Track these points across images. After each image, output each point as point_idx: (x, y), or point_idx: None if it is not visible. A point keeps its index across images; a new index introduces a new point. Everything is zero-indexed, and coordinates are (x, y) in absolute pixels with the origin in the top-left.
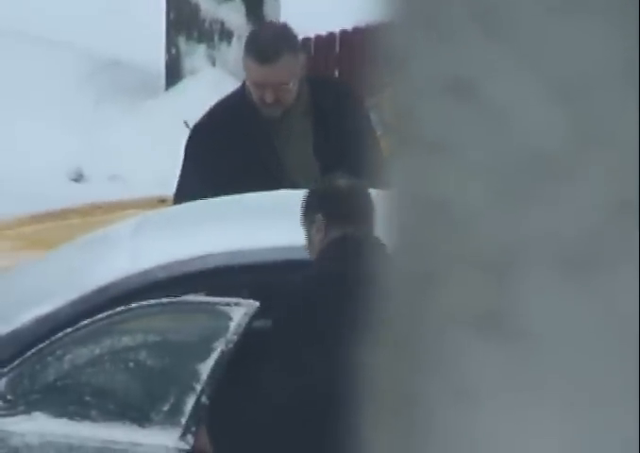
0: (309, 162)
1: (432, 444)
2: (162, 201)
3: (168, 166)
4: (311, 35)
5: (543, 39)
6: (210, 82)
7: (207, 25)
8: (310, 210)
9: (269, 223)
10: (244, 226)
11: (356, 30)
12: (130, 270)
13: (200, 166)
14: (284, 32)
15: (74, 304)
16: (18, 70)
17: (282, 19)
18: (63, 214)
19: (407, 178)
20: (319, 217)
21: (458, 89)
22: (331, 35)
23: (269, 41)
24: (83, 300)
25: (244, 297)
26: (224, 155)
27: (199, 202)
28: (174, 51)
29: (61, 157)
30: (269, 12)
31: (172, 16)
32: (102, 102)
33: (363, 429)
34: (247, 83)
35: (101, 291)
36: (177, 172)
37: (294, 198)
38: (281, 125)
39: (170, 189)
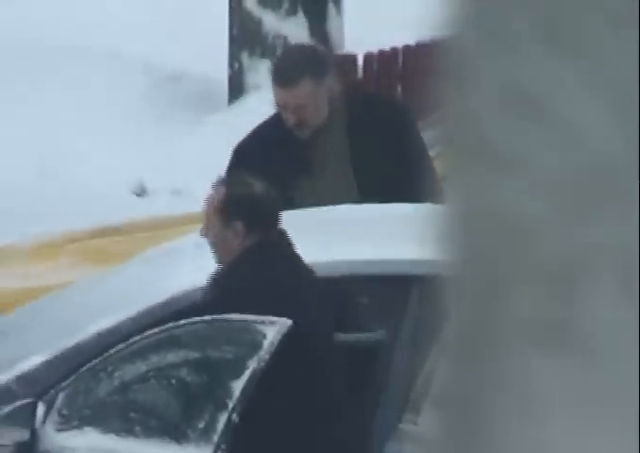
0: (345, 181)
1: None
2: None
3: None
4: (375, 50)
5: (606, 53)
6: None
7: (270, 40)
8: (228, 215)
9: (333, 236)
10: (308, 239)
11: (419, 45)
12: (194, 284)
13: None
14: (308, 55)
15: (137, 318)
16: (80, 84)
17: (346, 34)
18: (126, 229)
19: (471, 192)
20: (239, 224)
21: (521, 103)
22: (394, 50)
23: (289, 64)
24: (147, 314)
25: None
26: (262, 175)
27: None
28: (236, 66)
29: (124, 171)
30: (332, 28)
31: (235, 31)
32: (164, 116)
33: (432, 440)
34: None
35: (164, 305)
36: None
37: (357, 212)
38: (316, 143)
39: None
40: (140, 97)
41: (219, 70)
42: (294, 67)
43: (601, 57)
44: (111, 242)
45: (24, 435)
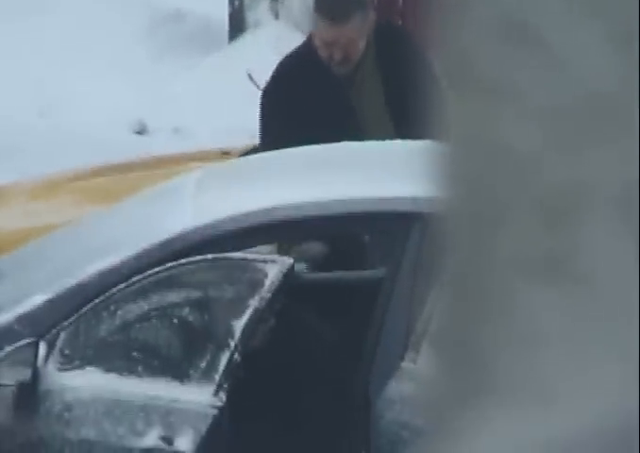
0: (383, 115)
1: (496, 389)
2: (226, 153)
3: (231, 118)
4: None
5: None
6: (273, 35)
7: None
8: None
9: (334, 175)
10: (309, 178)
11: None
12: (194, 223)
13: (282, 119)
14: None
15: (138, 257)
16: (79, 23)
17: None
18: (127, 167)
19: (465, 123)
20: None
21: (516, 33)
22: None
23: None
24: (148, 253)
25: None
26: (300, 111)
27: (265, 154)
28: (237, 3)
29: (125, 109)
30: None
31: None
32: (165, 54)
33: (430, 378)
34: (316, 41)
35: (165, 244)
36: (241, 124)
37: (358, 150)
38: (354, 79)
39: (233, 141)
40: (140, 36)
41: (219, 8)
42: (345, 2)
43: None
44: (113, 180)
45: (25, 374)
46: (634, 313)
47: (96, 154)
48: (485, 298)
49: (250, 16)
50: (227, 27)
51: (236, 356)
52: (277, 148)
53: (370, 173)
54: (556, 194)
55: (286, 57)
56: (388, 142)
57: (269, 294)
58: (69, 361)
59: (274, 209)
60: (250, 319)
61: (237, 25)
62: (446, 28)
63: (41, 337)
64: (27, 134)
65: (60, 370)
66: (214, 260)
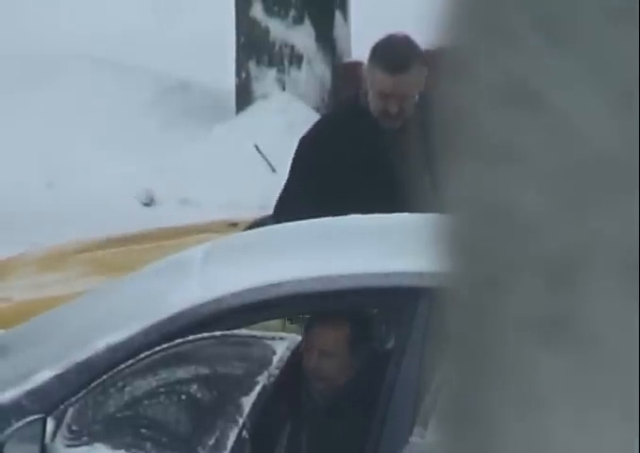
0: (423, 175)
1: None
2: (233, 225)
3: (239, 190)
4: None
5: (605, 46)
6: (280, 106)
7: (277, 48)
8: (354, 349)
9: (343, 249)
10: (317, 253)
11: (427, 52)
12: (202, 297)
13: (310, 180)
14: (412, 43)
15: (146, 332)
16: (88, 93)
17: (353, 42)
18: (134, 239)
19: (469, 185)
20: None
21: (520, 96)
22: None
23: (400, 50)
24: (156, 328)
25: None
26: (339, 166)
27: (272, 227)
28: (244, 75)
29: (132, 181)
30: (339, 36)
31: (242, 40)
32: (172, 125)
33: (437, 440)
34: (372, 94)
35: (173, 319)
36: (248, 195)
37: (368, 223)
38: (403, 136)
39: (240, 212)
40: (147, 107)
41: (226, 79)
42: (405, 53)
43: (601, 50)
44: (120, 252)
45: (33, 451)
46: (635, 375)
47: (104, 225)
48: (490, 362)
49: (257, 87)
50: (234, 99)
51: (244, 433)
52: (296, 207)
53: (376, 247)
54: (558, 256)
55: (326, 114)
56: (393, 216)
57: (277, 372)
58: (77, 437)
59: (281, 283)
60: (259, 396)
61: (244, 97)
62: (447, 88)
63: (48, 413)
64: (36, 205)
65: (68, 446)
66: (222, 336)
